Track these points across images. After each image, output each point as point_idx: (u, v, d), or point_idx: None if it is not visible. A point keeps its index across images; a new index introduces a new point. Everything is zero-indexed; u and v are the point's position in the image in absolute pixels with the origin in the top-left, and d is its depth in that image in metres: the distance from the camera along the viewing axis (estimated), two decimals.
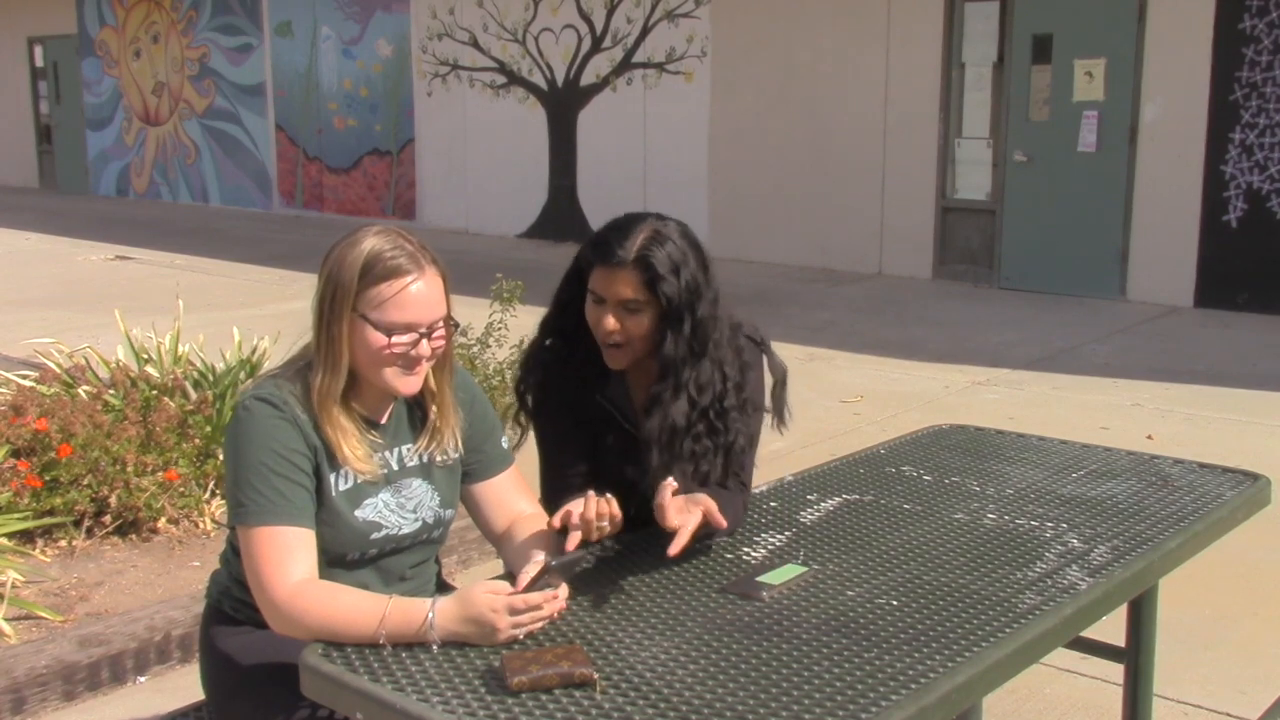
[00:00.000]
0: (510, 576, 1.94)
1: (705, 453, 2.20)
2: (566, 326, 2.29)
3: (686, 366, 2.17)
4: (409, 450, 2.06)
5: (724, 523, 2.06)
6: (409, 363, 1.94)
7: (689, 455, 2.19)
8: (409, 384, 1.97)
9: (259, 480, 1.88)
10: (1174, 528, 2.29)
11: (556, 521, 1.96)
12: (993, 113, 9.61)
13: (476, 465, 2.15)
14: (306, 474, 1.92)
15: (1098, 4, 8.97)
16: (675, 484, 2.05)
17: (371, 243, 1.93)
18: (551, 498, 2.24)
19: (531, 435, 2.39)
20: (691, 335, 2.16)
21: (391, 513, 2.01)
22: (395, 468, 2.04)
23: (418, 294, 1.92)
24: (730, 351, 2.25)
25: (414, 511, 2.05)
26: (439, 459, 2.09)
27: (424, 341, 1.94)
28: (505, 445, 2.21)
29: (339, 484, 1.96)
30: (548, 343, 2.32)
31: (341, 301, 1.91)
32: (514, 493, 2.18)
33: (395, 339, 1.91)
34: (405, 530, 2.03)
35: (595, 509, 1.95)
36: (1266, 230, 8.44)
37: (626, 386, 2.31)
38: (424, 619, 1.77)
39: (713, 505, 2.04)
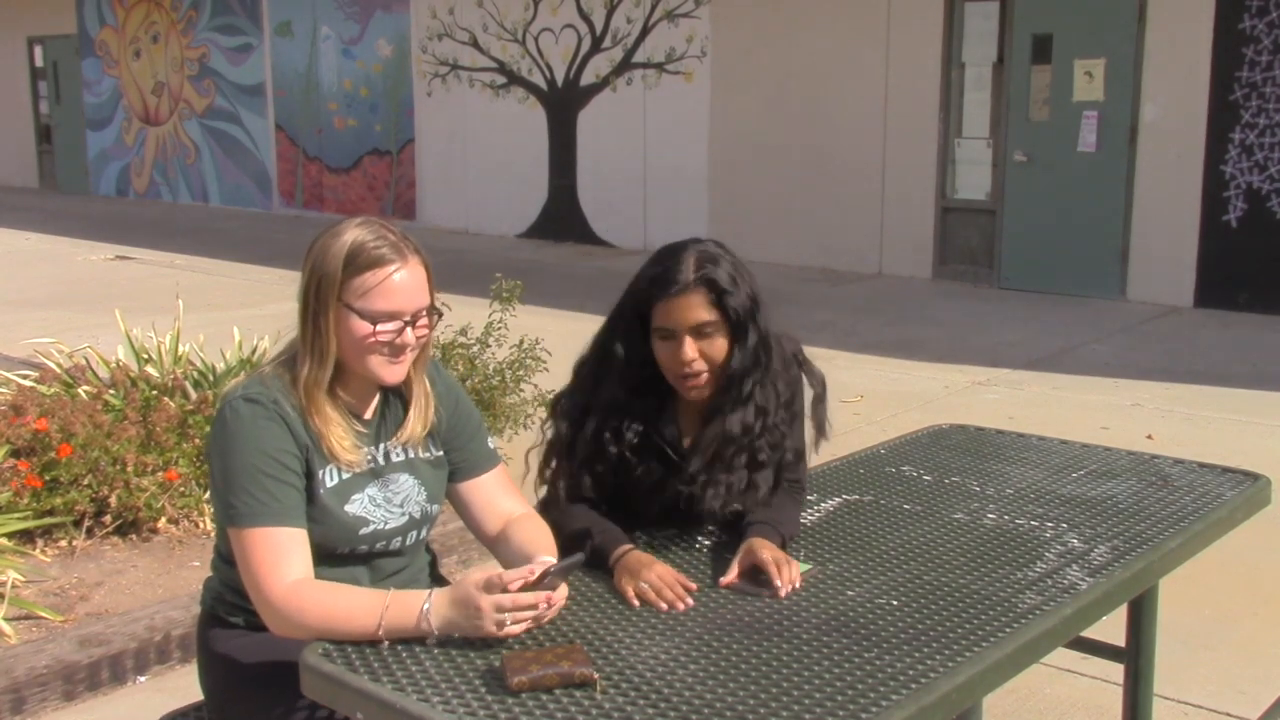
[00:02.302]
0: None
1: (764, 465, 2.20)
2: (616, 378, 2.20)
3: (750, 380, 2.16)
4: (393, 444, 2.07)
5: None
6: (394, 351, 1.97)
7: (737, 466, 2.18)
8: (394, 372, 1.99)
9: (250, 482, 1.88)
10: (1174, 528, 2.29)
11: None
12: (993, 113, 9.61)
13: (462, 463, 2.16)
14: (297, 473, 1.93)
15: (1098, 4, 8.98)
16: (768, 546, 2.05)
17: (354, 234, 1.95)
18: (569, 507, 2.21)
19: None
20: (758, 346, 2.16)
21: (378, 508, 2.02)
22: (381, 462, 2.05)
23: (401, 283, 1.94)
24: (781, 365, 2.24)
25: (401, 506, 2.05)
26: (424, 454, 2.10)
27: (408, 330, 1.96)
28: (491, 445, 2.22)
29: (327, 480, 1.97)
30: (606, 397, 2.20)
31: (327, 291, 1.93)
32: (502, 492, 2.18)
33: (380, 327, 1.93)
34: (392, 525, 2.04)
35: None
36: (1266, 230, 8.44)
37: (675, 417, 2.25)
38: (421, 610, 1.77)
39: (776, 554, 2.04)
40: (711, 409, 2.18)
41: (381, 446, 2.06)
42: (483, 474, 2.17)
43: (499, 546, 2.12)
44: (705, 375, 2.15)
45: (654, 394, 2.22)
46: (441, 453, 2.13)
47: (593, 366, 2.25)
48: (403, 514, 2.05)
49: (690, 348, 2.12)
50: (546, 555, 1.97)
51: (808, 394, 2.33)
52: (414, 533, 2.09)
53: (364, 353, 1.95)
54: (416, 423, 2.08)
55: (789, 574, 1.98)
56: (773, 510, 2.21)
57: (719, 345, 2.14)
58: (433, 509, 2.11)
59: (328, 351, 1.95)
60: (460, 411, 2.17)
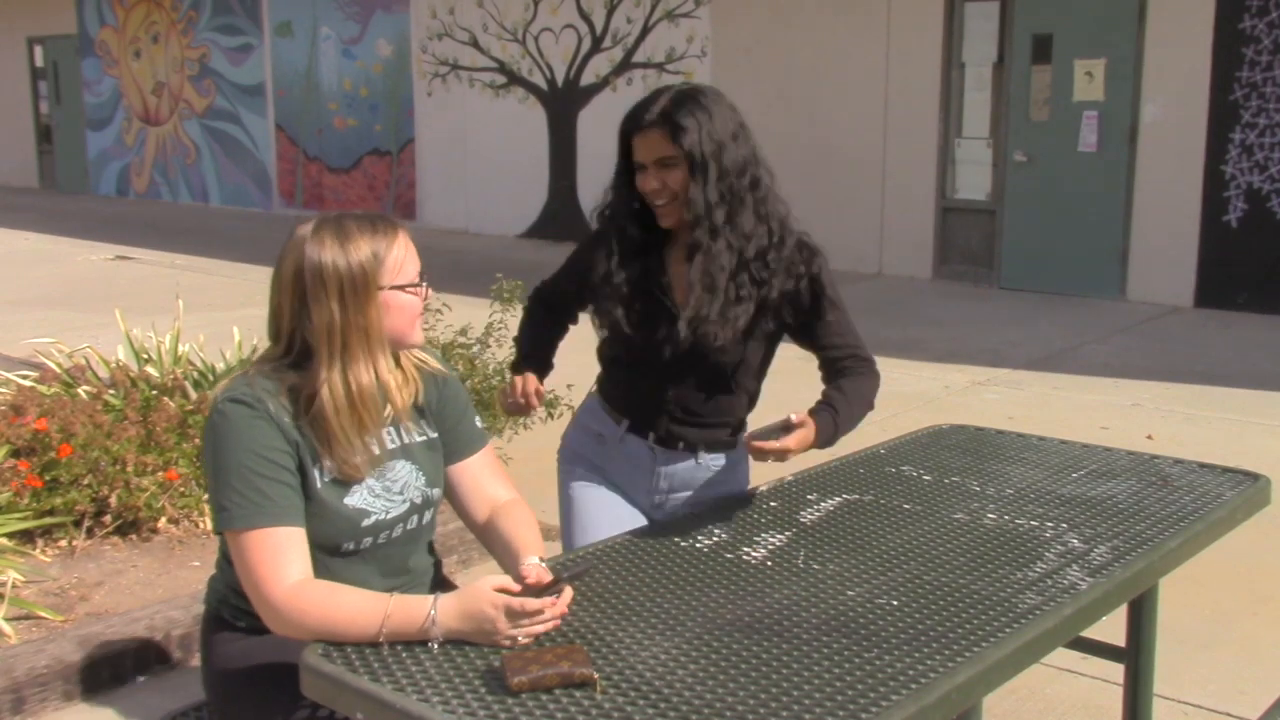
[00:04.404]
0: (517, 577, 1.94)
1: (743, 300, 2.36)
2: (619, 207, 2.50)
3: (719, 212, 2.32)
4: (388, 433, 2.06)
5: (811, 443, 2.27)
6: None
7: (733, 299, 2.35)
8: (421, 332, 2.08)
9: (241, 483, 1.87)
10: (1174, 528, 2.28)
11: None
12: (993, 113, 9.61)
13: (451, 444, 2.16)
14: (290, 471, 1.92)
15: (1098, 4, 8.98)
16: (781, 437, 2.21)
17: (349, 227, 1.97)
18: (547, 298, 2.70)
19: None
20: (719, 182, 2.32)
21: (378, 498, 2.02)
22: (376, 452, 2.04)
23: (411, 243, 2.03)
24: (779, 217, 2.43)
25: (401, 494, 2.05)
26: (419, 437, 2.10)
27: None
28: (479, 424, 2.23)
29: (323, 476, 1.96)
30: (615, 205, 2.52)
31: (365, 287, 1.94)
32: (489, 475, 2.19)
33: (423, 288, 2.03)
34: (394, 514, 2.04)
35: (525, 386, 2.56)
36: (1266, 230, 8.44)
37: (663, 260, 2.46)
38: (426, 616, 1.77)
39: (803, 437, 2.23)
40: (692, 246, 2.35)
41: (374, 435, 2.05)
42: (471, 455, 2.18)
43: (487, 537, 2.14)
44: (668, 204, 2.36)
45: (650, 238, 2.45)
46: (436, 434, 2.13)
47: (605, 201, 2.54)
48: (403, 501, 2.05)
49: (653, 178, 2.35)
50: (533, 556, 1.98)
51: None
52: (415, 518, 2.08)
53: (411, 323, 2.01)
54: (402, 394, 2.08)
55: (775, 446, 2.16)
56: (838, 396, 2.39)
57: (676, 176, 2.33)
58: (433, 493, 2.11)
59: (379, 344, 1.97)
60: (448, 392, 2.17)
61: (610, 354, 2.56)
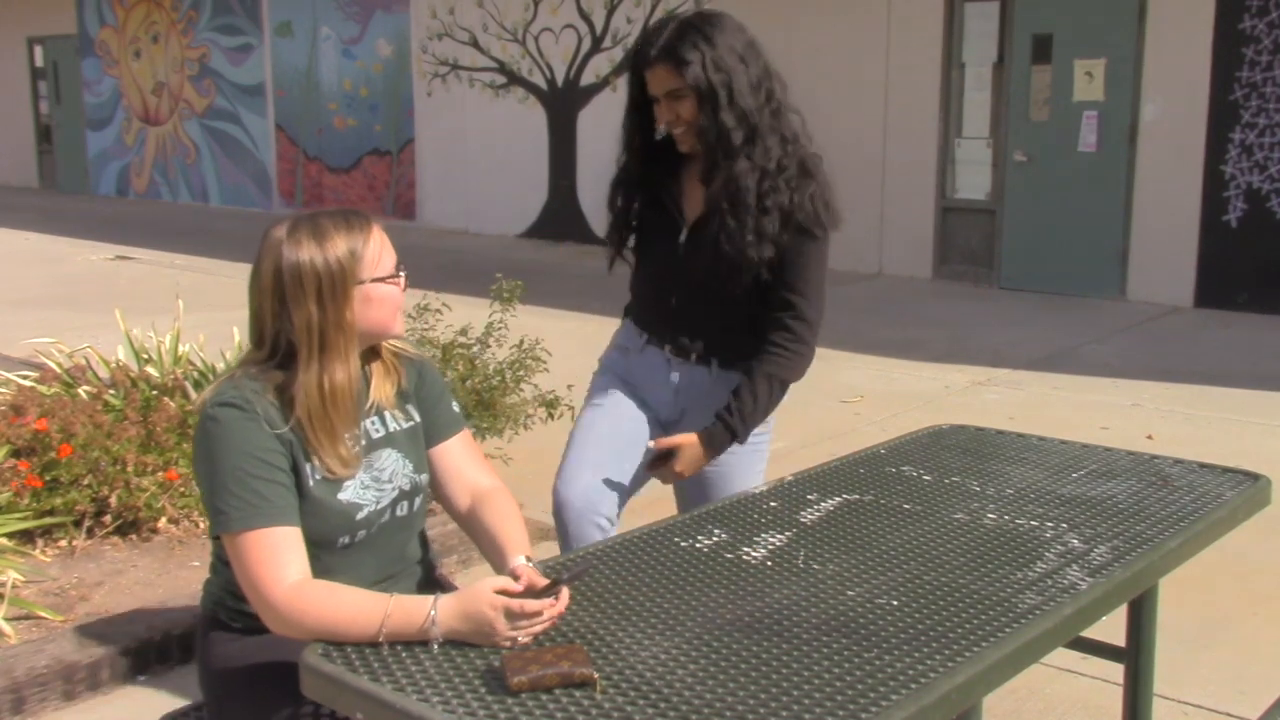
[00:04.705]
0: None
1: (769, 211, 2.45)
2: (634, 142, 2.61)
3: (736, 134, 2.41)
4: (369, 417, 2.07)
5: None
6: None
7: (760, 211, 2.44)
8: (403, 322, 2.10)
9: (238, 485, 1.87)
10: (1174, 528, 2.28)
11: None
12: (993, 113, 9.61)
13: (430, 427, 2.18)
14: (284, 471, 1.92)
15: (1098, 4, 8.98)
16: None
17: (324, 225, 1.97)
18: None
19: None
20: (731, 107, 2.40)
21: (367, 489, 2.03)
22: (363, 443, 2.05)
23: (385, 235, 2.04)
24: (791, 128, 2.55)
25: (390, 482, 2.06)
26: (405, 424, 2.11)
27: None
28: (455, 409, 2.24)
29: (314, 473, 1.97)
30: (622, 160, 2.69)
31: (343, 284, 1.95)
32: (469, 459, 2.20)
33: (401, 277, 2.04)
34: (385, 503, 2.05)
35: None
36: (1266, 230, 8.44)
37: (680, 184, 2.59)
38: (426, 616, 1.77)
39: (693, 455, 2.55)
40: (709, 168, 2.46)
41: (360, 424, 2.06)
42: (450, 437, 2.19)
43: (471, 527, 2.15)
44: (684, 131, 2.46)
45: (666, 161, 2.56)
46: (417, 420, 2.15)
47: (622, 133, 2.63)
48: (393, 489, 2.07)
49: (666, 110, 2.45)
50: (520, 555, 1.98)
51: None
52: (405, 504, 2.09)
53: (394, 314, 2.03)
54: (385, 383, 2.10)
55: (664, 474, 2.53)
56: (746, 396, 2.53)
57: (687, 106, 2.43)
58: (420, 479, 2.13)
59: (351, 337, 1.97)
60: (425, 377, 2.19)
61: (633, 273, 2.73)
